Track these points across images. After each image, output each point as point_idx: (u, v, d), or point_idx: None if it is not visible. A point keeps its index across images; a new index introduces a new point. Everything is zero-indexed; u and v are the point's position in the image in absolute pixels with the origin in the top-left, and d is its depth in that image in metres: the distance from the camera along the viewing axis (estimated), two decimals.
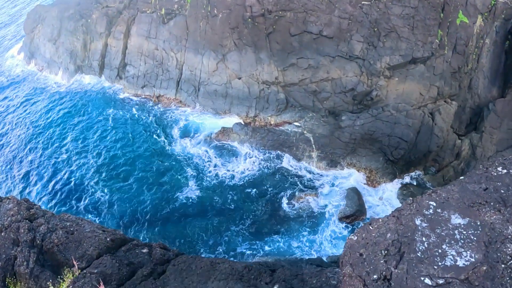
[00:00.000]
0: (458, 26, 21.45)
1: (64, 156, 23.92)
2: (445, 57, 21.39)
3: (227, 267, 8.40)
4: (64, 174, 22.73)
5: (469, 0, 21.70)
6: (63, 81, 31.44)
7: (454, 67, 21.48)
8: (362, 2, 21.52)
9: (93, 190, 21.29)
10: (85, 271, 8.14)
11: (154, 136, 23.52)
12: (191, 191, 20.11)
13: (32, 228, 9.13)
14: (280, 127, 21.61)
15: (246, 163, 20.60)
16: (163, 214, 19.39)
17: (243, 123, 21.79)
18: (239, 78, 22.24)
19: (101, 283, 7.42)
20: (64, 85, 31.15)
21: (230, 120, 22.60)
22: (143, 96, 26.84)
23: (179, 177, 20.97)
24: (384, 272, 4.39)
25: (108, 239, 9.33)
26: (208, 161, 21.26)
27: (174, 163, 21.57)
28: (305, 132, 21.16)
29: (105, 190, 21.11)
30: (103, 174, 22.04)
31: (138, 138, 23.91)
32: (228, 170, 20.62)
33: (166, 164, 21.70)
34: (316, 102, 21.46)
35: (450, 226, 4.69)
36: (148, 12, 27.29)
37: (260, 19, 21.70)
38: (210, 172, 20.83)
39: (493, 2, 21.83)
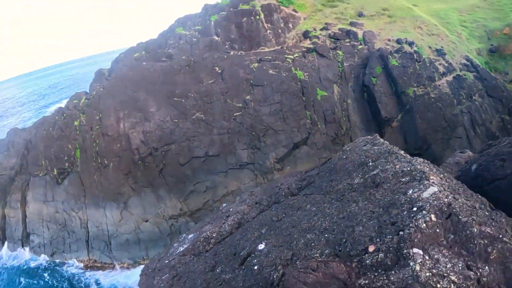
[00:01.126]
0: (320, 101, 25.26)
1: None
2: (321, 131, 24.75)
3: None
4: None
5: (321, 76, 25.98)
6: None
7: (332, 135, 24.84)
8: (234, 114, 24.47)
9: None
10: None
11: None
12: None
13: None
14: None
15: None
16: None
17: None
18: (146, 221, 22.89)
19: None
20: None
21: None
22: (56, 263, 25.84)
23: None
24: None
25: None
26: None
27: None
28: None
29: None
30: None
31: None
32: None
33: None
34: None
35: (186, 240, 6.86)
36: (40, 175, 27.42)
37: (149, 158, 23.28)
38: None
39: (340, 69, 26.35)
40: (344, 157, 4.99)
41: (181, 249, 3.97)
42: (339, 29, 29.13)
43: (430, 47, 27.32)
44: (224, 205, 5.70)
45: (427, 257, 3.89)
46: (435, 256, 3.93)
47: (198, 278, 3.02)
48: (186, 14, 33.19)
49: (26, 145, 30.22)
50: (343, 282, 3.88)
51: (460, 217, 4.08)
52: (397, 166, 3.88)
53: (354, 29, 28.83)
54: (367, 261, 3.95)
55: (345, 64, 26.55)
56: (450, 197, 4.29)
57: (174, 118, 23.90)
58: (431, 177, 4.54)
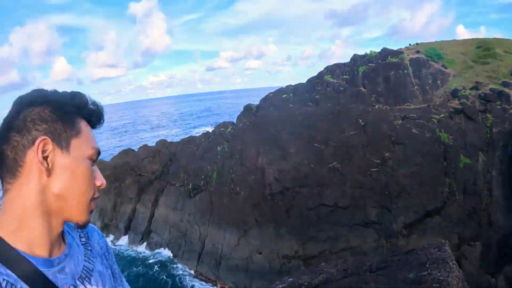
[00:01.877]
0: (462, 169, 22.79)
1: None
2: (458, 202, 22.17)
3: None
4: None
5: (467, 141, 23.53)
6: None
7: (469, 209, 21.96)
8: (371, 170, 23.85)
9: None
10: None
11: None
12: None
13: None
14: None
15: None
16: None
17: None
18: (260, 253, 23.45)
19: None
20: None
21: None
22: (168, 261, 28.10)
23: None
24: None
25: None
26: None
27: None
28: None
29: None
30: None
31: None
32: None
33: None
34: None
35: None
36: (176, 185, 30.79)
37: (279, 196, 24.14)
38: None
39: (488, 135, 23.52)
40: (418, 253, 5.65)
41: (280, 287, 4.82)
42: (490, 89, 26.28)
43: None
44: (323, 264, 6.34)
45: None
46: None
47: None
48: (335, 62, 34.41)
49: (171, 156, 34.58)
50: None
51: None
52: (439, 274, 4.13)
53: (506, 90, 25.81)
54: None
55: (494, 129, 23.59)
56: None
57: (311, 162, 24.51)
58: None
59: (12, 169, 1.03)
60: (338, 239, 22.54)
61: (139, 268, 28.32)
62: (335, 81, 30.84)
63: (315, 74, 32.98)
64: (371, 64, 29.69)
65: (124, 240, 32.78)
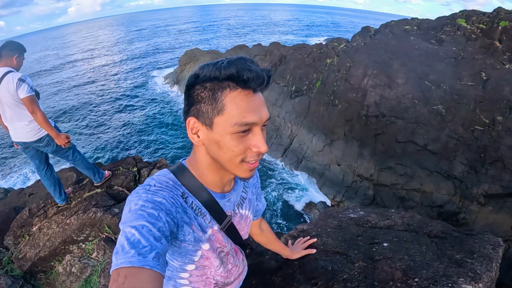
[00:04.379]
0: None
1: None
2: None
3: None
4: None
5: None
6: None
7: None
8: (475, 127, 21.27)
9: None
10: None
11: None
12: None
13: None
14: None
15: None
16: None
17: (328, 204, 22.77)
18: (338, 165, 23.55)
19: None
20: None
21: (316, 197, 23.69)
22: None
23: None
24: None
25: None
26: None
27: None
28: None
29: None
30: None
31: None
32: None
33: None
34: (401, 208, 21.45)
35: (359, 213, 5.89)
36: (281, 84, 30.97)
37: (373, 119, 23.04)
38: None
39: None
40: (475, 241, 4.24)
41: (351, 216, 4.49)
42: None
43: None
44: (392, 210, 5.68)
45: None
46: None
47: (348, 233, 3.28)
48: (473, 9, 29.00)
49: (281, 58, 34.14)
50: None
51: None
52: (479, 267, 2.94)
53: None
54: None
55: None
56: None
57: (415, 98, 22.43)
58: None
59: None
60: (413, 179, 21.44)
61: None
62: (468, 26, 26.11)
63: (446, 14, 28.31)
64: None
65: None
